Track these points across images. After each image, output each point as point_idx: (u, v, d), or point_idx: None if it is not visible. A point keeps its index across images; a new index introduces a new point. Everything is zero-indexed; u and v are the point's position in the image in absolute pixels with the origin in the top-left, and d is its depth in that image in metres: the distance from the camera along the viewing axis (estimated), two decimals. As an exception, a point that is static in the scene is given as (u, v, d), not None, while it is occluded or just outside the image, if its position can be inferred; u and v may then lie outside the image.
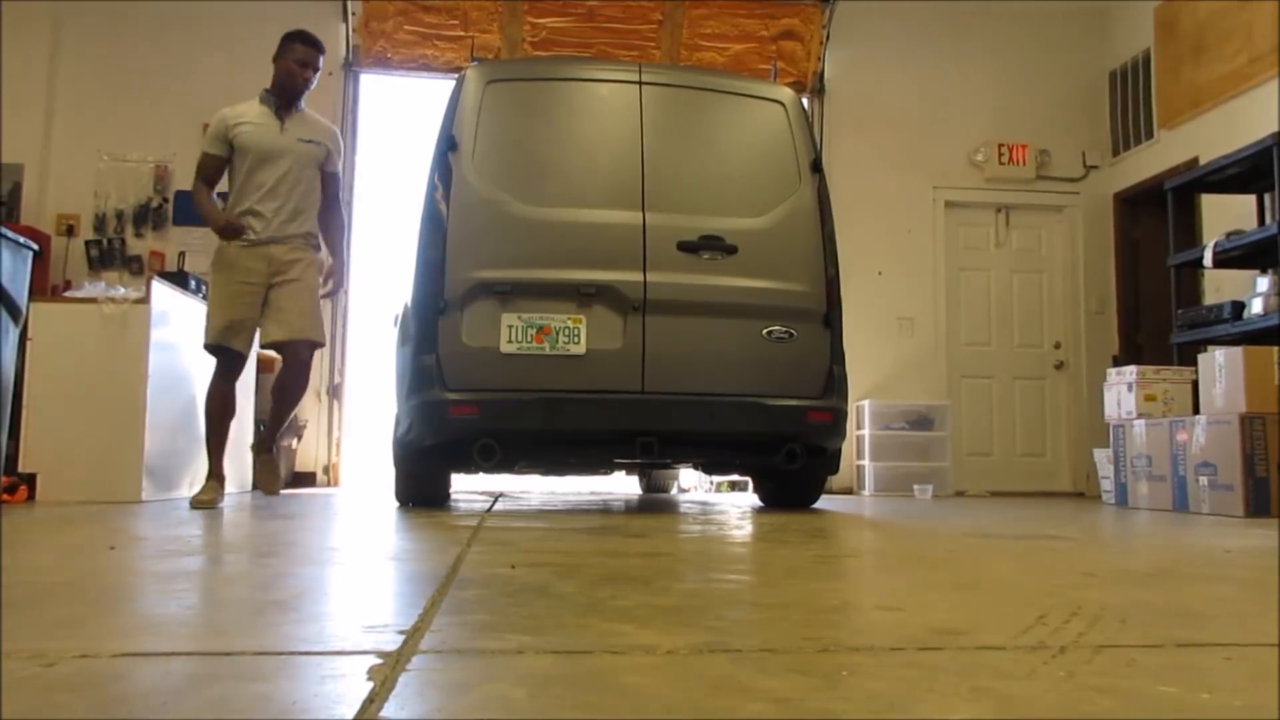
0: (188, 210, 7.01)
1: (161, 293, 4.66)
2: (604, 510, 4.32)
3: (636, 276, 4.07)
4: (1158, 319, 7.45)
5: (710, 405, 4.00)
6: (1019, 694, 1.01)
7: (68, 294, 4.58)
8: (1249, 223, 6.21)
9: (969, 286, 7.80)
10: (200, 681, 1.04)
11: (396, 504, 4.55)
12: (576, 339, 4.03)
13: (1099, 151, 7.84)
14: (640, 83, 4.29)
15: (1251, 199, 6.22)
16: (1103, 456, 6.01)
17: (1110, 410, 6.02)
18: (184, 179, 7.01)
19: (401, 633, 1.31)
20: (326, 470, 7.07)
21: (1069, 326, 7.85)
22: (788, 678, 1.08)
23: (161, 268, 6.89)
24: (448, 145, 4.15)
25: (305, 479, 6.97)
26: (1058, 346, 7.84)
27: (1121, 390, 5.90)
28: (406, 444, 4.20)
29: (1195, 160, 6.82)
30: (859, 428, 7.17)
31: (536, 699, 0.99)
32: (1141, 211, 7.68)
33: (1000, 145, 7.72)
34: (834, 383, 4.23)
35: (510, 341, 4.00)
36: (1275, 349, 4.70)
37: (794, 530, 3.29)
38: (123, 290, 4.56)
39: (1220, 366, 4.76)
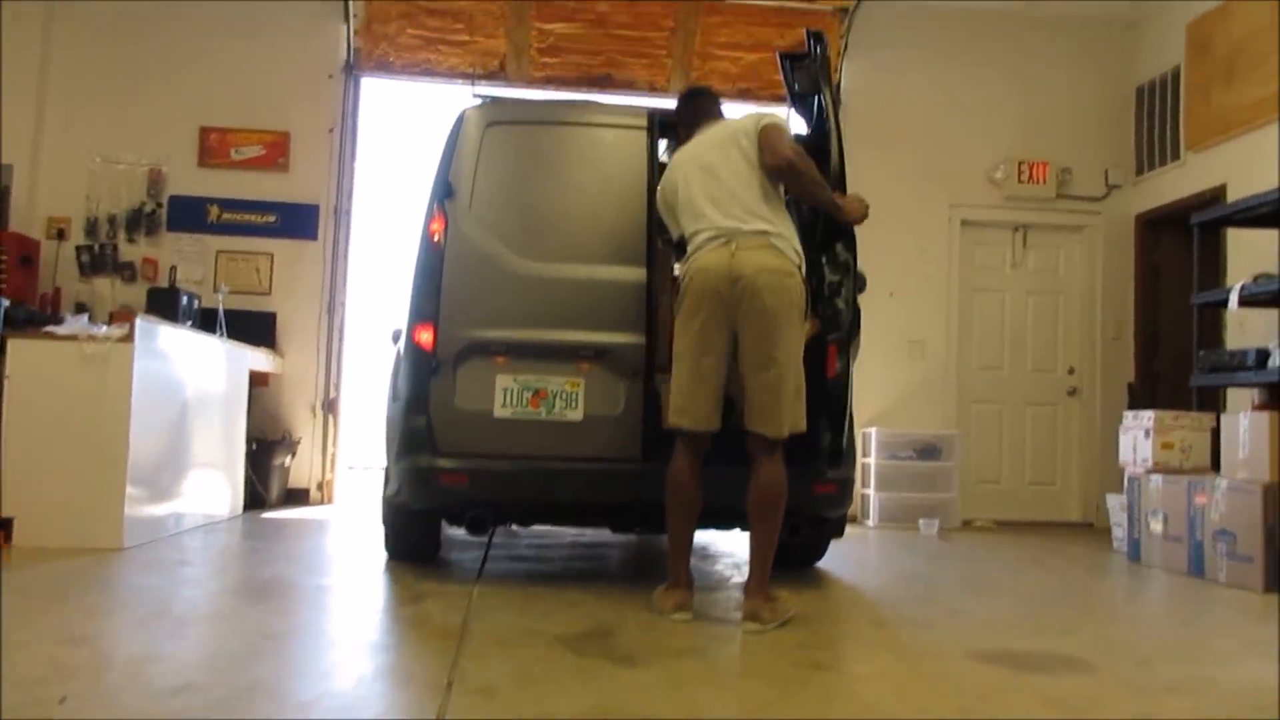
0: (182, 215, 6.86)
1: (146, 329, 4.49)
2: (600, 572, 4.15)
3: (639, 339, 3.89)
4: (1176, 347, 7.24)
5: (712, 475, 3.80)
6: None
7: (48, 330, 4.40)
8: (1274, 255, 5.99)
9: (983, 308, 7.59)
10: None
11: (386, 555, 4.41)
12: (574, 404, 3.85)
13: (1122, 170, 7.59)
14: (649, 128, 4.07)
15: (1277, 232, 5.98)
16: (1115, 503, 5.84)
17: (1125, 454, 5.83)
18: (178, 183, 6.86)
19: None
20: (320, 487, 6.93)
21: (1084, 352, 7.64)
22: None
23: (155, 276, 6.73)
24: (444, 192, 3.95)
25: (298, 496, 6.83)
26: (1071, 372, 7.64)
27: (1138, 435, 5.71)
28: (396, 505, 4.05)
29: (1223, 187, 6.58)
30: (865, 455, 7.00)
31: None
32: (1164, 234, 7.44)
33: (1020, 163, 7.47)
34: (841, 451, 4.05)
35: (505, 405, 3.82)
36: (1303, 416, 4.51)
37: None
38: (104, 328, 4.39)
39: (1244, 430, 4.57)
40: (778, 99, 7.32)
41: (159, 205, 6.84)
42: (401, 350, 4.09)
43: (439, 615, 3.23)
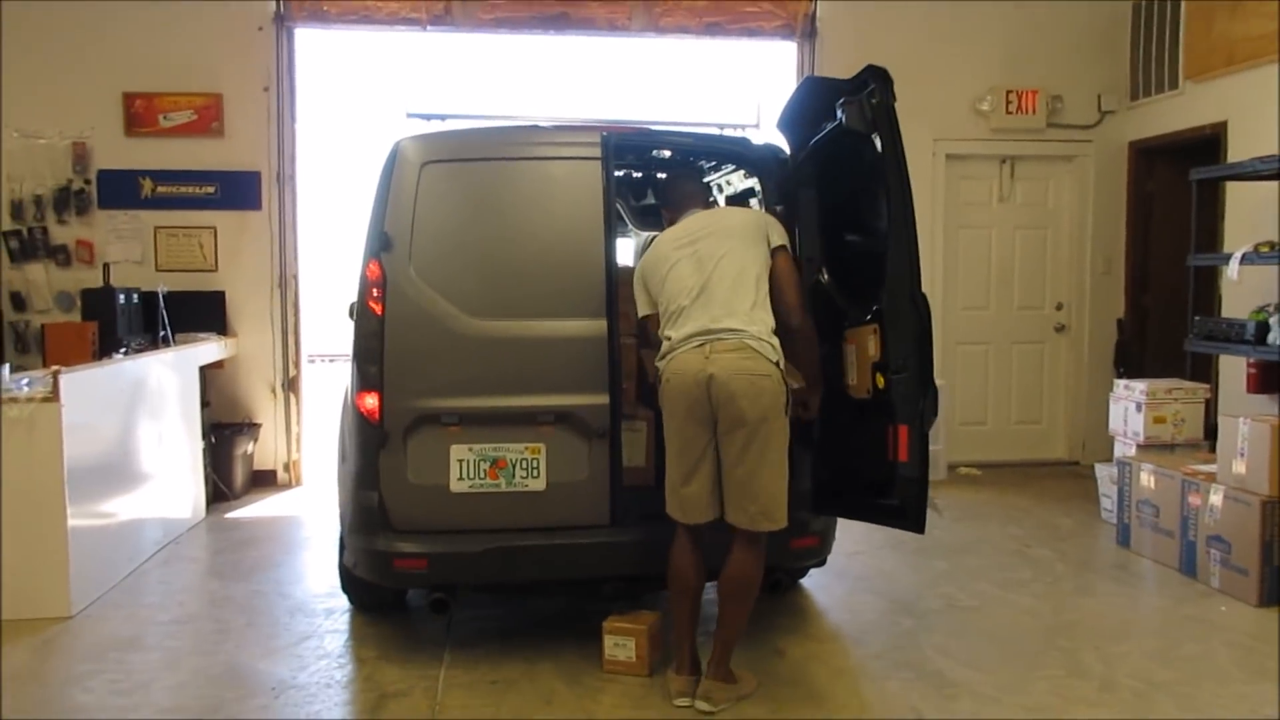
0: (113, 191, 6.40)
1: (72, 383, 4.15)
2: (576, 637, 3.93)
3: (602, 398, 3.59)
4: (1167, 280, 6.99)
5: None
6: None
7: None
8: (1274, 207, 5.66)
9: (968, 246, 7.26)
10: None
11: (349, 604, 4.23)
12: (535, 472, 3.59)
13: (1116, 95, 7.13)
14: (604, 157, 3.66)
15: (1283, 185, 5.64)
16: (1105, 474, 5.68)
17: (1115, 423, 5.65)
18: (106, 156, 6.39)
19: None
20: (287, 468, 6.70)
21: (1073, 287, 7.36)
22: None
23: (90, 259, 6.33)
24: (380, 244, 3.57)
25: (265, 478, 6.62)
26: (1059, 308, 7.38)
27: (1129, 407, 5.52)
28: (354, 575, 3.83)
29: (1224, 124, 6.19)
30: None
31: None
32: (1158, 163, 7.07)
33: (1009, 92, 7.01)
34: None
35: (461, 479, 3.55)
36: (1306, 426, 4.29)
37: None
38: (25, 385, 4.05)
39: (1244, 438, 4.35)
40: (748, 34, 6.83)
41: (87, 182, 6.36)
42: (349, 401, 3.79)
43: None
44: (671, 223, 3.58)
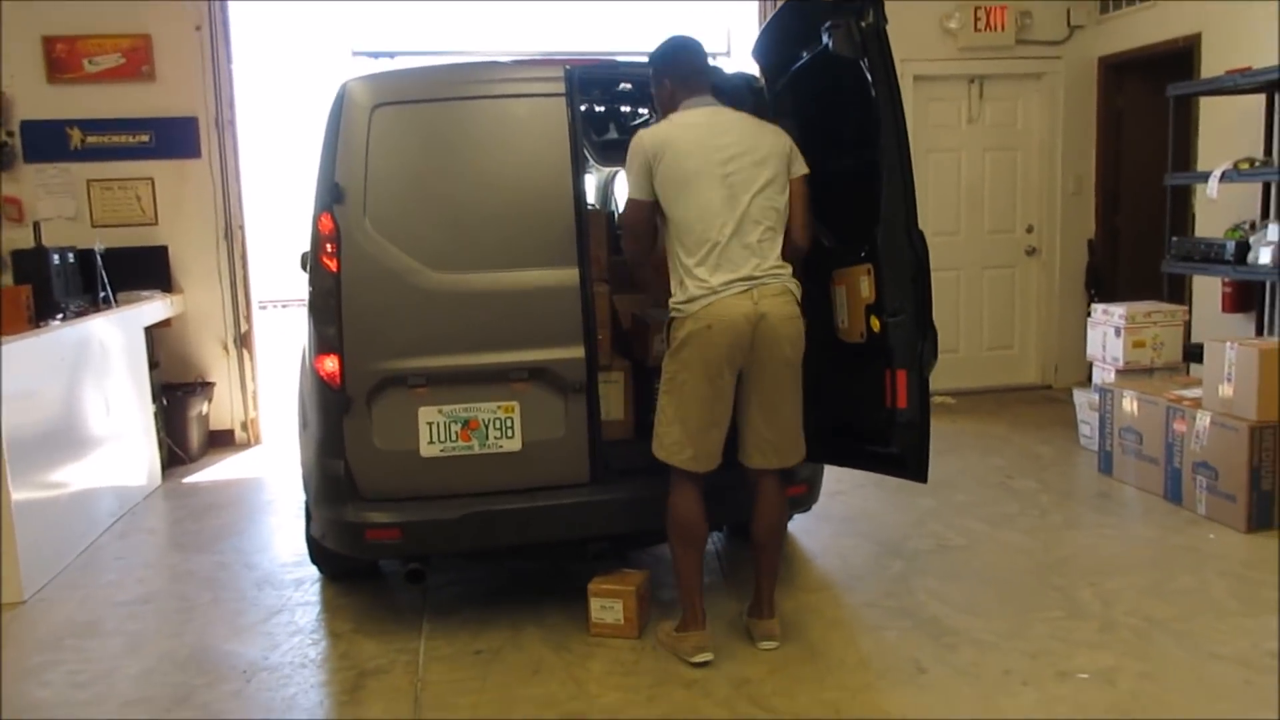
0: (38, 143, 6.02)
1: (6, 355, 3.87)
2: (560, 594, 3.80)
3: (577, 351, 3.40)
4: (1139, 201, 6.91)
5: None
6: None
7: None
8: (1254, 122, 5.54)
9: (938, 170, 7.07)
10: None
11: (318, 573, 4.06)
12: (510, 432, 3.40)
13: (1086, 9, 6.94)
14: (568, 95, 3.42)
15: (1260, 97, 5.50)
16: (1084, 400, 5.61)
17: (1093, 349, 5.57)
18: (28, 106, 6.00)
19: None
20: (245, 426, 6.46)
21: (1043, 209, 7.24)
22: None
23: (20, 216, 5.96)
24: (332, 196, 3.32)
25: (223, 438, 6.38)
26: (1030, 231, 7.26)
27: (1107, 332, 5.43)
28: (323, 546, 3.64)
29: (1197, 36, 6.02)
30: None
31: None
32: (1129, 79, 6.92)
33: (977, 9, 6.79)
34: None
35: (432, 443, 3.36)
36: (1295, 349, 4.21)
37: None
38: (-43, 360, 3.78)
39: (1231, 363, 4.26)
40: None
41: (10, 134, 5.96)
42: (307, 364, 3.57)
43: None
44: (672, 100, 3.22)
